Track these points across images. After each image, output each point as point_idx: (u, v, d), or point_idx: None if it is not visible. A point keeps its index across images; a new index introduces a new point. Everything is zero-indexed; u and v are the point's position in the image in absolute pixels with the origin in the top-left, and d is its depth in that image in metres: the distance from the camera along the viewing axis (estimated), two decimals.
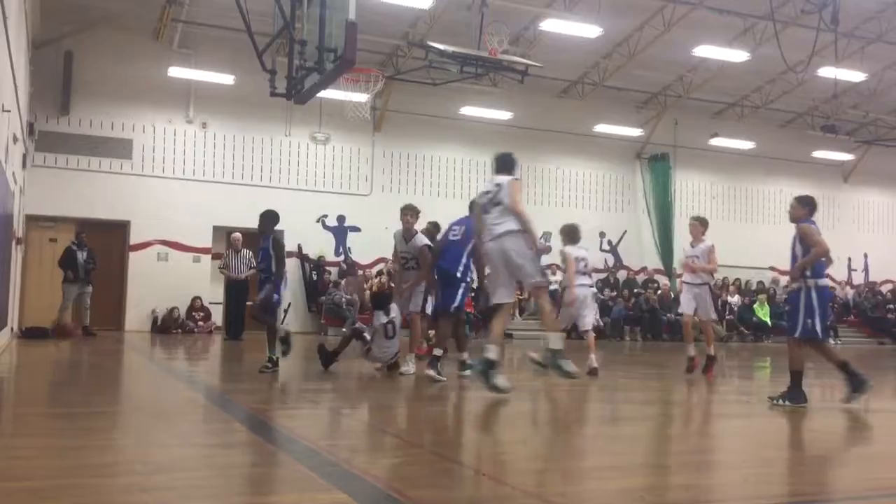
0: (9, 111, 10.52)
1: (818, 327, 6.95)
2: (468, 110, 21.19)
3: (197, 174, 19.16)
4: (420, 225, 9.65)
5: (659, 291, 22.02)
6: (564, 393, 7.97)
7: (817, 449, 5.69)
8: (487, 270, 7.84)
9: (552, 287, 20.99)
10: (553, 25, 17.82)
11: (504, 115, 21.49)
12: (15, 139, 12.32)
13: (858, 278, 26.26)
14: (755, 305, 22.73)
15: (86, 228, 16.73)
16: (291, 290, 19.78)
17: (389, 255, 20.79)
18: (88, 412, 6.18)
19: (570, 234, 9.95)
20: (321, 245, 20.35)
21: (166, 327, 17.77)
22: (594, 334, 10.10)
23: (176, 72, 18.37)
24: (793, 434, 6.27)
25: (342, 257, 20.44)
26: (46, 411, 6.24)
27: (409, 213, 9.40)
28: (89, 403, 6.67)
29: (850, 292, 25.40)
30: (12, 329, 14.31)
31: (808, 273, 7.00)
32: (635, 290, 22.25)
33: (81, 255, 15.76)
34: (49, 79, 17.41)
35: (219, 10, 16.62)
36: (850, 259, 25.82)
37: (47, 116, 17.75)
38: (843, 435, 6.36)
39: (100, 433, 5.22)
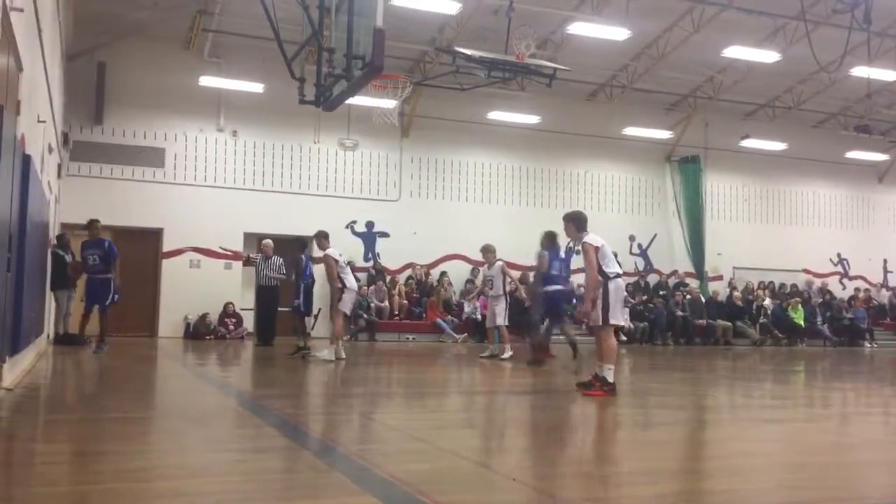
0: (44, 122, 10.69)
1: None
2: (496, 115, 21.16)
3: (228, 182, 19.36)
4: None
5: (688, 296, 21.80)
6: (598, 399, 7.91)
7: (852, 454, 5.59)
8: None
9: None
10: (580, 28, 17.76)
11: (532, 119, 21.45)
12: (50, 149, 12.53)
13: (894, 280, 25.82)
14: (789, 308, 22.42)
15: (121, 236, 16.76)
16: (321, 297, 19.93)
17: (418, 261, 20.92)
18: (123, 417, 6.26)
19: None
20: (350, 251, 20.43)
21: (199, 333, 17.97)
22: None
23: (207, 81, 18.58)
24: (827, 440, 6.18)
25: (371, 263, 20.50)
26: (82, 417, 6.33)
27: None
28: (124, 409, 6.76)
29: (885, 295, 24.97)
30: (48, 336, 14.52)
31: None
32: (662, 293, 22.03)
33: (69, 258, 14.57)
34: (83, 89, 17.71)
35: (248, 19, 16.79)
36: (885, 261, 25.40)
37: (81, 126, 18.05)
38: (876, 441, 6.25)
39: (135, 438, 5.29)
